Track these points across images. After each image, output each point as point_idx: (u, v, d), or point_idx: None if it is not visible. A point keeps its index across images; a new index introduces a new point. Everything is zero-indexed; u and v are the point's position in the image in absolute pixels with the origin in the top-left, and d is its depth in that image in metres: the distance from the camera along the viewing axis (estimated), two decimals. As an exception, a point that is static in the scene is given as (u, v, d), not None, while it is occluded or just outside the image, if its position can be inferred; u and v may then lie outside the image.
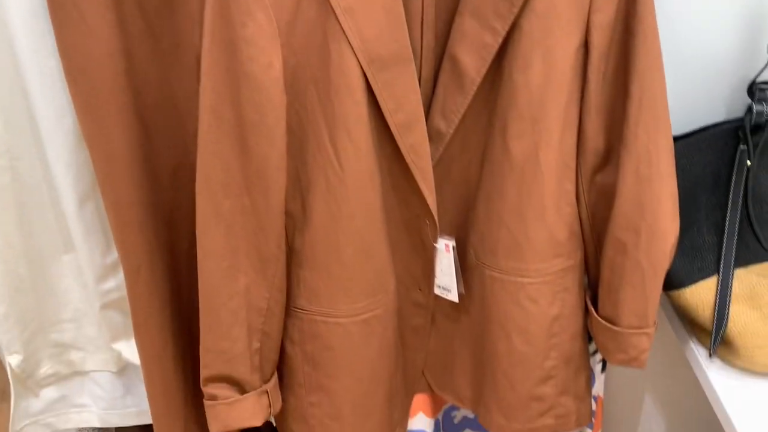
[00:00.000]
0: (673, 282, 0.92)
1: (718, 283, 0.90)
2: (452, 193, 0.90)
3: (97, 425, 1.09)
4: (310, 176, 0.80)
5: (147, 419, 1.00)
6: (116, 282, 0.93)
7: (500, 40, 0.77)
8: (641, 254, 0.84)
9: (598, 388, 1.12)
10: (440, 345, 1.01)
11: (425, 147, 0.81)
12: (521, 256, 0.87)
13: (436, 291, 0.95)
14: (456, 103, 0.81)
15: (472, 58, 0.78)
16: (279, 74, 0.73)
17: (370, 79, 0.75)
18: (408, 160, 0.81)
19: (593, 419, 1.12)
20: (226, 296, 0.81)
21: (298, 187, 0.81)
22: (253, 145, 0.75)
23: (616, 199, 0.84)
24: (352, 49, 0.73)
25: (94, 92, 0.76)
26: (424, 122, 0.80)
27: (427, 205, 0.84)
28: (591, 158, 0.86)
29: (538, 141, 0.81)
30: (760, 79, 0.89)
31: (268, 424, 1.10)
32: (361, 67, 0.74)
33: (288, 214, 0.83)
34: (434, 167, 0.85)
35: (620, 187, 0.83)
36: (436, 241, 0.89)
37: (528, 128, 0.81)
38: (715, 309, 0.89)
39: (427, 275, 0.94)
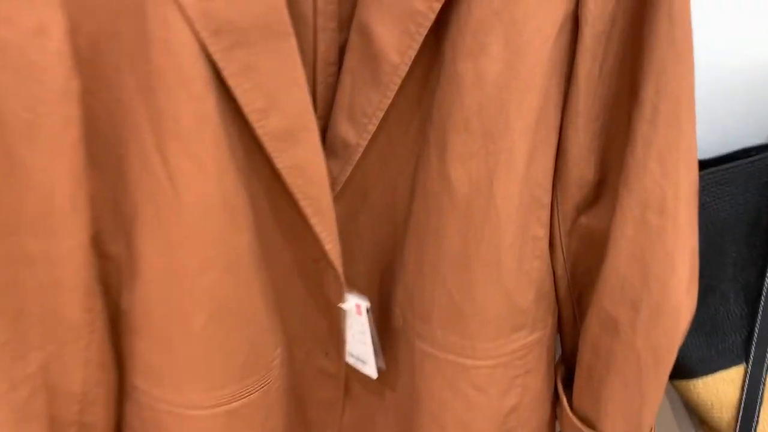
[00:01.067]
0: (680, 368, 0.65)
1: (746, 375, 0.63)
2: (370, 230, 0.62)
3: None
4: (134, 205, 0.52)
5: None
6: None
7: (438, 5, 0.48)
8: (639, 338, 0.57)
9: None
10: (358, 420, 0.74)
11: (319, 167, 0.53)
12: (464, 329, 0.60)
13: (349, 360, 0.68)
14: (370, 101, 0.52)
15: (393, 31, 0.49)
16: (60, 45, 0.44)
17: (217, 62, 0.46)
18: (291, 185, 0.52)
19: None
20: (5, 385, 0.53)
21: (120, 219, 0.53)
22: (25, 160, 0.47)
23: (609, 256, 0.56)
24: (182, 12, 0.44)
25: None
26: (317, 129, 0.51)
27: (325, 250, 0.56)
28: (574, 191, 0.58)
29: (494, 166, 0.53)
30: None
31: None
32: (200, 42, 0.45)
33: (108, 258, 0.54)
34: (340, 194, 0.57)
35: (615, 239, 0.56)
36: (342, 300, 0.61)
37: (478, 146, 0.52)
38: (739, 411, 0.62)
39: (335, 338, 0.66)
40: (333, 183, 0.56)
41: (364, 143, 0.54)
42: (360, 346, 0.65)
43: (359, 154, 0.55)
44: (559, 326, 0.67)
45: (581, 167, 0.56)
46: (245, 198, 0.53)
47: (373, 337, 0.63)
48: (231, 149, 0.50)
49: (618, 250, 0.56)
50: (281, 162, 0.51)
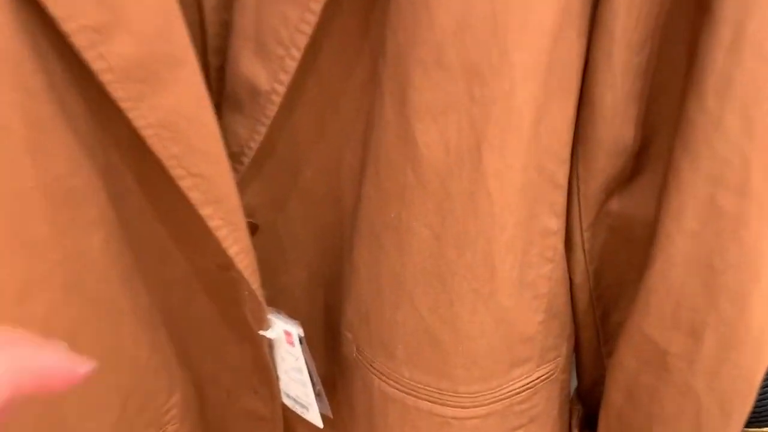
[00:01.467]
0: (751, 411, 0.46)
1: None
2: (306, 222, 0.43)
3: None
4: None
5: None
6: None
7: None
8: (700, 378, 0.39)
9: None
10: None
11: (205, 125, 0.33)
12: (442, 366, 0.41)
13: (286, 402, 0.49)
14: (286, 21, 0.33)
15: None
16: None
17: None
18: (161, 155, 0.33)
19: None
20: None
21: None
22: None
23: (656, 258, 0.38)
24: None
25: None
26: (195, 62, 0.32)
27: (229, 255, 0.37)
28: (604, 163, 0.39)
29: (483, 124, 0.34)
30: None
31: None
32: None
33: None
34: (253, 171, 0.38)
35: (668, 234, 0.37)
36: (263, 325, 0.42)
37: (458, 91, 0.33)
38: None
39: (262, 373, 0.47)
40: (239, 152, 0.37)
41: (282, 88, 0.35)
42: (297, 387, 0.46)
43: (276, 106, 0.35)
44: (576, 352, 0.48)
45: (616, 125, 0.37)
46: (92, 176, 0.34)
47: (312, 376, 0.45)
48: (56, 96, 0.31)
49: (671, 250, 0.37)
50: (140, 117, 0.32)
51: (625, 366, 0.42)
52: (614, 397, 0.43)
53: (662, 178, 0.37)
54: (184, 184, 0.34)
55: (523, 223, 0.37)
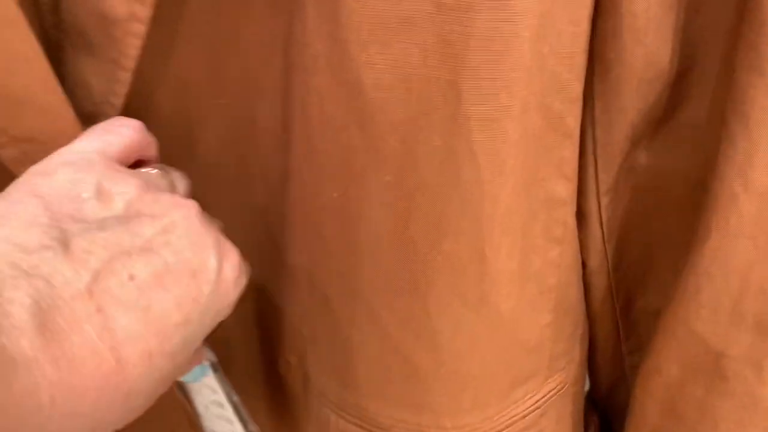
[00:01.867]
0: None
1: None
2: (215, 211, 0.31)
3: None
4: None
5: None
6: None
7: None
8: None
9: None
10: None
11: (28, 60, 0.21)
12: (421, 399, 0.30)
13: (215, 444, 0.37)
14: None
15: None
16: None
17: None
18: None
19: None
20: None
21: None
22: None
23: (709, 227, 0.27)
24: None
25: None
26: None
27: None
28: (631, 97, 0.27)
29: (461, 42, 0.22)
30: None
31: None
32: None
33: None
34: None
35: (727, 191, 0.26)
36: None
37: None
38: None
39: (178, 409, 0.36)
40: (96, 113, 0.25)
41: (145, 11, 0.22)
42: (223, 424, 0.34)
43: (140, 39, 0.23)
44: (590, 352, 0.38)
45: (649, 41, 0.25)
46: None
47: (239, 412, 0.33)
48: None
49: (733, 217, 0.26)
50: None
51: (665, 373, 0.31)
52: (649, 412, 0.33)
53: (711, 114, 0.26)
54: (8, 154, 0.22)
55: (522, 190, 0.26)
